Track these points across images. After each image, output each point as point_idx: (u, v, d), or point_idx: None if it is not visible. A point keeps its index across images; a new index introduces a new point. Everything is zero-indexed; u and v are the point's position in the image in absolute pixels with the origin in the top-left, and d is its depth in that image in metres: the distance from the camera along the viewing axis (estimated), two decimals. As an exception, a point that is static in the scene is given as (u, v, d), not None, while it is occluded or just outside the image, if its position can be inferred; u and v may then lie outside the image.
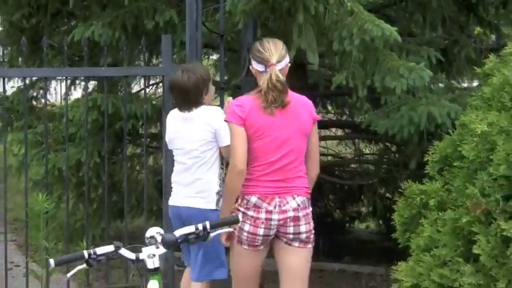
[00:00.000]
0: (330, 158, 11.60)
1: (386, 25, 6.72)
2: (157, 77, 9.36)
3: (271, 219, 5.38)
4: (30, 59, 9.20)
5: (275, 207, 5.39)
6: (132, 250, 4.45)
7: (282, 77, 5.36)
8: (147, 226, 4.77)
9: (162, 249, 4.41)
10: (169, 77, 7.60)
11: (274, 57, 5.39)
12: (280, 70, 5.39)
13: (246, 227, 5.40)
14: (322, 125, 11.53)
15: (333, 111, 11.35)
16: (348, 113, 10.92)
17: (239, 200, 5.47)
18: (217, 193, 6.26)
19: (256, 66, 5.49)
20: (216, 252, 6.31)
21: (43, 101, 9.93)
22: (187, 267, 6.56)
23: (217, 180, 6.32)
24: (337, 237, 10.83)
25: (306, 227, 5.47)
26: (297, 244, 5.51)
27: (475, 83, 8.87)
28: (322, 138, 11.62)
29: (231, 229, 5.35)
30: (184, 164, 6.45)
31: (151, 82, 10.03)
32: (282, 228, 5.42)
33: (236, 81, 8.20)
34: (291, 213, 5.41)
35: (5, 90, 8.10)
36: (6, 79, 8.06)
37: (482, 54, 8.33)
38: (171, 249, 4.54)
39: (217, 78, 9.31)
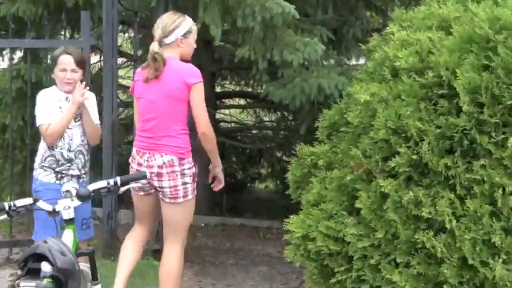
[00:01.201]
0: (233, 124, 11.65)
1: (285, 3, 6.77)
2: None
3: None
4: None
5: (144, 162, 5.65)
6: (49, 203, 4.43)
7: (158, 50, 5.60)
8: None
9: (76, 202, 4.41)
10: (87, 49, 7.57)
11: (157, 33, 5.70)
12: (169, 44, 5.69)
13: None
14: (226, 95, 11.61)
15: (235, 83, 11.34)
16: (249, 84, 10.92)
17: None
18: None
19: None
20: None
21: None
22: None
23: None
24: (239, 196, 10.89)
25: (170, 182, 5.63)
26: (167, 200, 5.73)
27: (362, 61, 8.95)
28: (226, 107, 11.71)
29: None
30: None
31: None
32: (151, 181, 5.68)
33: (149, 54, 8.12)
34: (155, 169, 5.61)
35: None
36: None
37: (368, 33, 8.40)
38: (85, 201, 4.52)
39: (132, 53, 9.23)
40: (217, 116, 9.75)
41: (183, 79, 5.62)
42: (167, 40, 5.68)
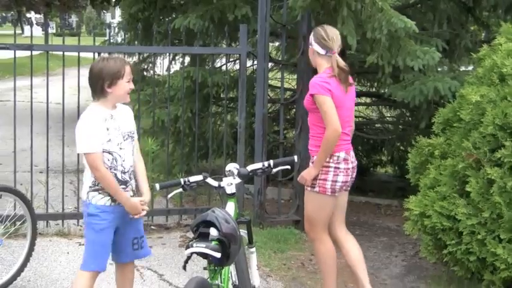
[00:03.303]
0: (360, 119, 11.53)
1: (407, 19, 6.76)
2: (235, 55, 9.37)
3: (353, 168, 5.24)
4: (143, 41, 9.26)
5: (352, 158, 5.25)
6: (215, 180, 4.51)
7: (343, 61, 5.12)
8: (226, 164, 4.80)
9: (237, 180, 4.46)
10: (244, 55, 7.69)
11: (336, 45, 5.13)
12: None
13: (340, 178, 5.13)
14: (356, 94, 11.53)
15: (362, 85, 11.26)
16: (374, 85, 10.83)
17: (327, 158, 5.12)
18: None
19: (317, 48, 5.17)
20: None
21: (151, 71, 10.13)
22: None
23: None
24: (363, 178, 10.83)
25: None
26: (349, 188, 5.38)
27: (470, 67, 8.80)
28: (355, 104, 11.66)
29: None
30: None
31: (230, 59, 10.03)
32: (352, 175, 5.26)
33: (293, 59, 8.17)
34: (355, 164, 5.29)
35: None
36: (126, 55, 8.21)
37: (477, 45, 8.26)
38: (244, 180, 4.55)
39: (279, 58, 9.31)
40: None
41: (354, 87, 5.39)
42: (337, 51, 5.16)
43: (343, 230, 5.49)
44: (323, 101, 4.98)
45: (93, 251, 4.64)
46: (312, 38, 5.26)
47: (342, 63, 5.08)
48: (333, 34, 5.17)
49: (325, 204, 5.22)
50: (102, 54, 7.12)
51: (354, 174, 5.27)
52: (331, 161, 5.09)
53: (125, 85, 4.54)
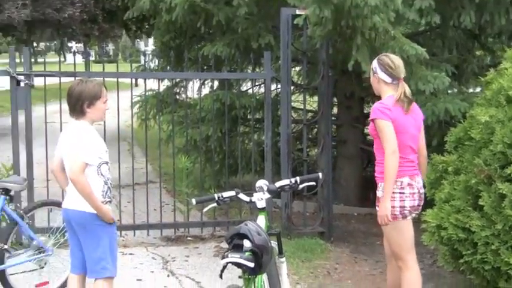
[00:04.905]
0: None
1: (418, 46, 6.73)
2: (260, 80, 9.36)
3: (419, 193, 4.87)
4: (175, 67, 9.27)
5: (418, 184, 4.86)
6: (246, 195, 4.49)
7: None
8: (254, 180, 4.77)
9: (267, 195, 4.44)
10: (269, 80, 7.68)
11: (402, 73, 4.90)
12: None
13: (407, 203, 4.76)
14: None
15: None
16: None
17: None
18: None
19: (383, 77, 4.89)
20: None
21: (183, 95, 10.17)
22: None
23: None
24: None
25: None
26: (413, 215, 4.96)
27: (478, 89, 8.73)
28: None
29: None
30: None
31: (256, 83, 10.02)
32: (420, 201, 4.89)
33: (314, 83, 8.14)
34: (422, 190, 4.91)
35: (159, 87, 8.24)
36: (160, 80, 8.23)
37: (483, 69, 8.18)
38: (273, 195, 4.52)
39: (301, 82, 9.28)
40: (365, 130, 9.63)
41: (421, 116, 5.14)
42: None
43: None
44: (382, 126, 4.72)
45: (115, 257, 4.71)
46: (376, 66, 4.94)
47: (408, 91, 4.87)
48: (398, 62, 4.92)
49: (401, 229, 4.84)
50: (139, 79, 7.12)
51: (421, 201, 4.90)
52: (395, 186, 4.71)
53: (101, 106, 4.65)
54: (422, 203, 4.92)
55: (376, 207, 4.82)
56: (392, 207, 4.71)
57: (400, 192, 4.74)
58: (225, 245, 4.12)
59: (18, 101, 6.96)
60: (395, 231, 4.83)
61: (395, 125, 4.73)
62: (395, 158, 4.64)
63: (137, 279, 6.21)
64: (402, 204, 4.75)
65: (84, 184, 4.45)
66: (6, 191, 5.47)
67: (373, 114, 4.81)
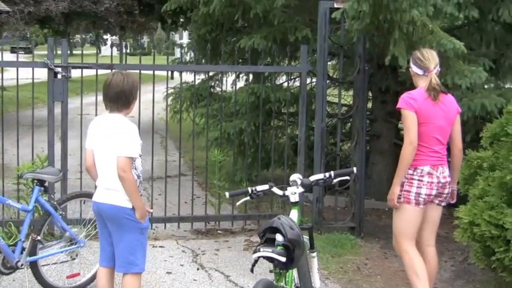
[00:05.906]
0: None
1: (456, 40, 6.68)
2: (296, 73, 9.37)
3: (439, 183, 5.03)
4: (211, 60, 9.32)
5: (440, 174, 5.03)
6: (279, 189, 4.51)
7: (438, 80, 5.05)
8: (286, 175, 4.78)
9: (300, 189, 4.44)
10: (305, 73, 7.69)
11: (432, 65, 5.04)
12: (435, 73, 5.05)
13: (423, 191, 4.99)
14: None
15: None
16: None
17: (410, 171, 5.00)
18: None
19: (415, 69, 5.12)
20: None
21: (218, 88, 10.20)
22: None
23: None
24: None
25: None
26: (443, 203, 5.20)
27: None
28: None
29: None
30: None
31: (292, 77, 10.04)
32: (443, 189, 5.07)
33: (350, 77, 8.14)
34: (448, 179, 5.09)
35: (195, 80, 8.31)
36: (195, 73, 8.30)
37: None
38: (306, 189, 4.53)
39: (336, 76, 9.29)
40: (399, 125, 9.57)
41: (456, 107, 5.25)
42: (435, 70, 5.07)
43: (431, 243, 5.28)
44: (405, 116, 4.97)
45: (144, 253, 4.71)
46: (411, 60, 5.23)
47: (434, 81, 5.01)
48: (428, 54, 5.10)
49: (409, 215, 5.06)
50: (174, 72, 7.17)
51: (443, 190, 5.08)
52: (415, 173, 4.99)
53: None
54: (444, 192, 5.10)
55: None
56: (409, 191, 5.02)
57: (418, 180, 4.99)
58: (255, 239, 4.16)
59: (55, 93, 7.03)
60: (403, 214, 5.07)
61: (419, 115, 4.95)
62: (412, 148, 4.91)
63: (167, 272, 6.27)
64: (418, 191, 4.99)
65: (133, 181, 4.45)
66: (41, 182, 5.49)
67: (399, 103, 5.05)
